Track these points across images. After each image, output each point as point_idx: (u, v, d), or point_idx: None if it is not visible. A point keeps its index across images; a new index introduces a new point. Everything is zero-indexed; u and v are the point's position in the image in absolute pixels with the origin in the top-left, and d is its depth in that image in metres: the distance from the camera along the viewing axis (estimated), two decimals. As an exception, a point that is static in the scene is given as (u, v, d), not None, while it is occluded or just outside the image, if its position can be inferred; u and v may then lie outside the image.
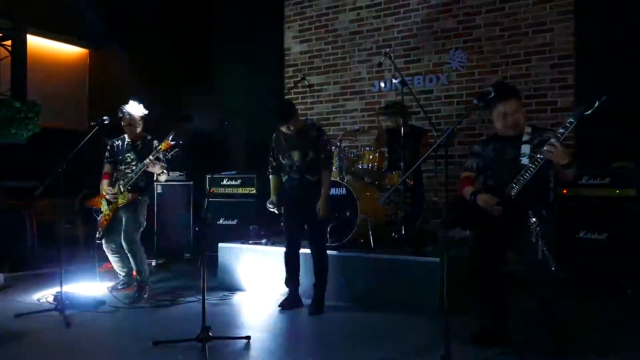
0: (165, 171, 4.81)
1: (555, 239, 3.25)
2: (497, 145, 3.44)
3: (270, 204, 4.67)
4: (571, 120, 3.06)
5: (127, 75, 9.25)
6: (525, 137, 3.33)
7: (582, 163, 5.07)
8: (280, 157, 4.57)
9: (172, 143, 4.58)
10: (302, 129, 4.51)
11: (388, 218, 5.48)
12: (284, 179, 4.60)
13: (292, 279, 4.60)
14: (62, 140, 4.75)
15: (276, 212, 4.69)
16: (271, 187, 4.74)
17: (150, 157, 4.63)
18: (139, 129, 4.93)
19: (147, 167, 4.68)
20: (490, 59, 6.30)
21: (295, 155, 4.46)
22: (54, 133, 8.27)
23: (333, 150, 4.97)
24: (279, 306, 4.47)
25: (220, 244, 5.50)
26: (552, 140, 3.05)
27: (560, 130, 3.09)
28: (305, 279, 4.68)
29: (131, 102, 4.95)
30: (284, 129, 4.46)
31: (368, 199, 5.14)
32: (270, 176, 4.74)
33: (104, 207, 4.93)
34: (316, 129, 4.56)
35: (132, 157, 4.91)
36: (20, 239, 6.32)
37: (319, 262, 4.51)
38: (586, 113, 3.00)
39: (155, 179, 5.02)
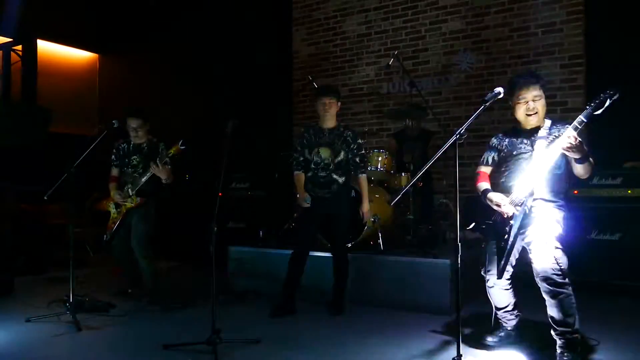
0: (170, 177, 4.81)
1: (565, 240, 3.16)
2: (513, 139, 3.35)
3: (304, 201, 4.43)
4: (582, 119, 2.92)
5: (137, 79, 9.31)
6: (542, 132, 3.22)
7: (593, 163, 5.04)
8: (307, 152, 4.49)
9: (182, 148, 4.55)
10: (336, 128, 4.48)
11: (398, 220, 5.47)
12: (308, 175, 4.49)
13: (292, 283, 4.46)
14: (72, 144, 4.77)
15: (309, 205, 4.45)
16: (297, 185, 4.53)
17: (158, 161, 4.63)
18: (143, 133, 4.93)
19: (154, 172, 4.67)
20: (499, 60, 6.27)
21: (325, 153, 4.41)
22: (64, 138, 8.33)
23: (365, 156, 4.76)
24: (270, 315, 4.32)
25: (230, 247, 5.51)
26: (569, 131, 2.91)
27: (575, 125, 2.94)
28: (318, 280, 4.68)
29: (134, 110, 4.96)
30: (320, 108, 4.41)
31: (378, 200, 5.12)
32: (296, 172, 4.56)
33: (112, 210, 4.94)
34: (353, 132, 4.49)
35: (138, 159, 4.91)
36: (31, 242, 6.35)
37: (342, 263, 4.48)
38: (596, 113, 2.89)
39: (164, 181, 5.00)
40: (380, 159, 5.40)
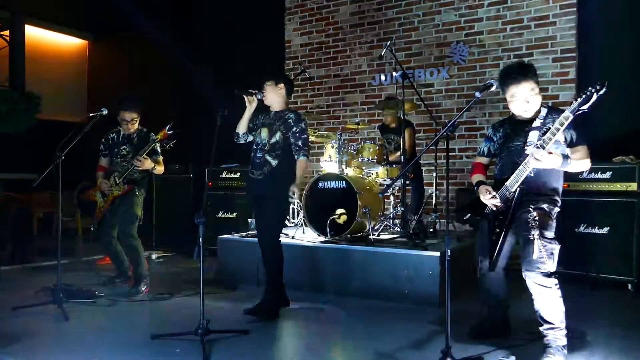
0: (157, 165, 4.78)
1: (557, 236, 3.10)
2: (508, 130, 3.30)
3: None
4: (567, 114, 2.84)
5: (127, 66, 9.22)
6: (536, 123, 3.15)
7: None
8: (255, 134, 4.33)
9: (170, 133, 4.52)
10: (282, 111, 4.30)
11: (388, 211, 5.48)
12: (251, 156, 4.30)
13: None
14: (60, 132, 4.70)
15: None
16: None
17: (138, 156, 4.59)
18: (137, 125, 4.90)
19: (137, 167, 4.65)
20: (492, 53, 6.26)
21: (264, 133, 4.24)
22: (52, 125, 8.25)
23: (309, 140, 4.43)
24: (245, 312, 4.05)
25: (219, 237, 5.49)
26: (535, 146, 2.89)
27: (556, 126, 2.88)
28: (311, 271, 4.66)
29: (128, 100, 4.90)
30: (259, 96, 4.27)
31: (368, 192, 5.12)
32: None
33: (99, 199, 4.90)
34: (296, 115, 4.27)
35: (127, 149, 4.87)
36: (18, 231, 6.30)
37: (266, 252, 4.15)
38: (583, 107, 2.80)
39: (151, 171, 4.93)
40: (371, 150, 5.39)
